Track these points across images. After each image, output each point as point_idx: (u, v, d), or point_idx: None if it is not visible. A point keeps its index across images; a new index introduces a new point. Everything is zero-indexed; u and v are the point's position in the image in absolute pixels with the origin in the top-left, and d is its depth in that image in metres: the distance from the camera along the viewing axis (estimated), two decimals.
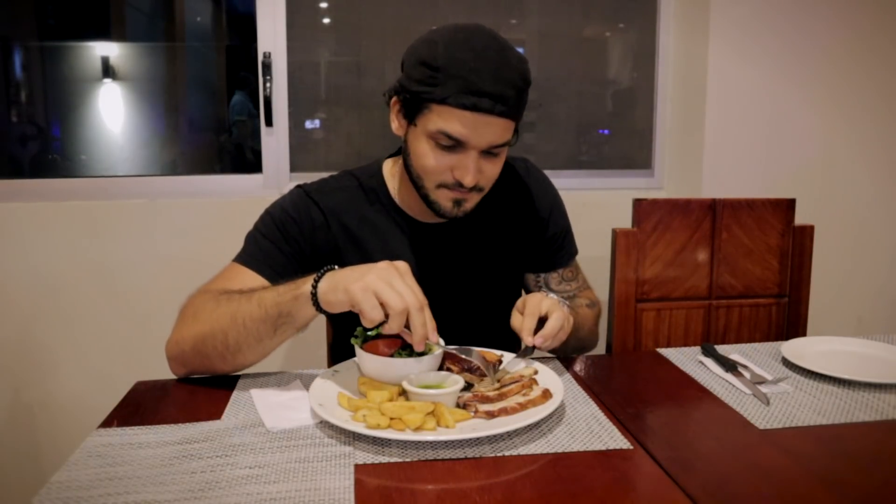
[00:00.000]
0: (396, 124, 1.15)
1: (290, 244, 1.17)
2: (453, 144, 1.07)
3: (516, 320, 1.07)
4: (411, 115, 1.11)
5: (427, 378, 0.95)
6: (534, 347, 1.03)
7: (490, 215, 1.25)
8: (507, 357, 1.08)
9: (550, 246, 1.31)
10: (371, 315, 0.90)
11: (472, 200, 1.14)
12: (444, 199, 1.13)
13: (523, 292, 1.36)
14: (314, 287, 0.96)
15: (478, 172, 1.09)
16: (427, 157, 1.09)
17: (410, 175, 1.15)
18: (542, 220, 1.30)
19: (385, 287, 0.90)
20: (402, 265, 0.95)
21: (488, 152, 1.09)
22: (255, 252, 1.17)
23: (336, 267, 0.98)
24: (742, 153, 2.21)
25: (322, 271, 0.98)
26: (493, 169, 1.12)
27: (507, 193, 1.27)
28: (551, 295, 1.10)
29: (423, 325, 0.92)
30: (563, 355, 1.21)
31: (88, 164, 2.14)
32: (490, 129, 1.05)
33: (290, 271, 1.17)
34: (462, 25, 1.09)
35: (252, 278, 1.13)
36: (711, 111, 2.17)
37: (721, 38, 2.14)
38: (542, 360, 1.13)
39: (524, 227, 1.29)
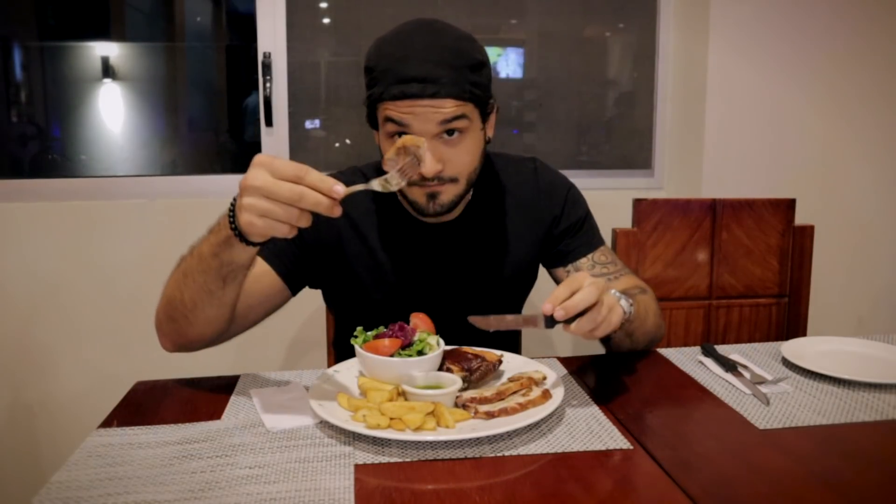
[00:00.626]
0: (376, 138, 1.16)
1: (297, 233, 1.17)
2: (404, 133, 1.06)
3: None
4: (373, 121, 1.13)
5: (427, 378, 0.95)
6: (553, 321, 0.90)
7: (496, 216, 1.24)
8: (508, 357, 1.08)
9: (568, 236, 1.27)
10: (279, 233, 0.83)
11: (446, 193, 1.11)
12: (418, 195, 1.11)
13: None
14: (233, 224, 0.87)
15: (436, 162, 1.05)
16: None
17: None
18: (555, 217, 1.26)
19: (279, 209, 0.82)
20: (259, 159, 0.83)
21: (446, 134, 1.06)
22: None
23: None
24: (742, 153, 2.21)
25: (236, 197, 0.87)
26: (457, 154, 1.08)
27: (515, 194, 1.26)
28: (611, 291, 0.98)
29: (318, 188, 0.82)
30: (631, 349, 1.17)
31: (88, 164, 2.14)
32: (429, 112, 1.03)
33: (290, 254, 1.16)
34: (404, 23, 1.10)
35: (257, 266, 1.11)
36: (711, 111, 2.17)
37: (721, 37, 2.14)
38: (540, 359, 1.12)
39: (534, 227, 1.26)
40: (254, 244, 0.89)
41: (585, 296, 0.90)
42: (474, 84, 1.07)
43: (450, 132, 1.07)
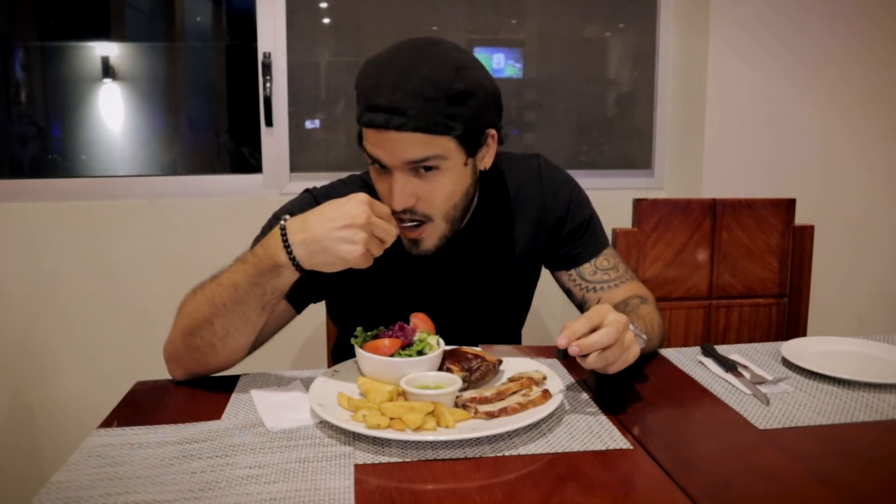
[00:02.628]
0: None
1: None
2: (381, 166, 1.05)
3: (571, 322, 0.93)
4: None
5: (426, 378, 0.95)
6: (566, 354, 0.90)
7: (499, 217, 1.23)
8: (508, 358, 1.08)
9: (573, 240, 1.25)
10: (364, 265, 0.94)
11: (427, 238, 1.08)
12: (401, 234, 1.08)
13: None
14: (290, 254, 0.93)
15: (407, 195, 1.03)
16: (374, 181, 1.09)
17: None
18: (559, 217, 1.24)
19: (376, 243, 0.94)
20: (360, 196, 0.93)
21: (421, 169, 1.03)
22: None
23: (288, 217, 0.96)
24: (742, 153, 2.21)
25: (282, 227, 0.94)
26: (430, 191, 1.04)
27: (518, 193, 1.24)
28: (632, 326, 0.96)
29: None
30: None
31: (88, 164, 2.14)
32: (396, 145, 1.00)
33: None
34: (396, 42, 1.06)
35: None
36: (711, 111, 2.17)
37: (721, 38, 2.14)
38: (541, 359, 1.12)
39: (538, 227, 1.24)
40: (304, 270, 0.95)
41: (603, 337, 0.89)
42: (451, 117, 1.00)
43: (426, 167, 1.03)
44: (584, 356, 0.90)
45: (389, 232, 0.94)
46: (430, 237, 1.09)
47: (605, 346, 0.89)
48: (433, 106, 0.98)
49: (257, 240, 1.20)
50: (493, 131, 1.10)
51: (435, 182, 1.04)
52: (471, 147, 1.06)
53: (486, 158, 1.12)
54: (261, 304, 0.98)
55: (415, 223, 1.07)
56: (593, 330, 0.90)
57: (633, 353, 0.94)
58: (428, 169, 1.03)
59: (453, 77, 1.00)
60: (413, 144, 1.00)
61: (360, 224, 0.91)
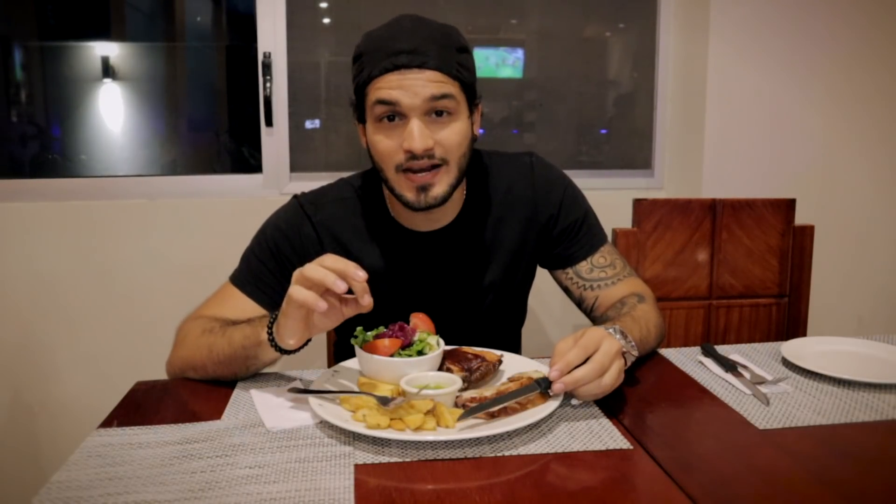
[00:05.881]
0: (361, 137, 1.15)
1: (282, 263, 1.17)
2: (393, 114, 1.06)
3: (564, 345, 0.93)
4: (360, 113, 1.12)
5: (427, 378, 0.95)
6: (549, 385, 0.91)
7: (490, 218, 1.22)
8: (508, 357, 1.08)
9: (567, 238, 1.24)
10: (300, 296, 0.92)
11: (439, 183, 1.09)
12: (406, 188, 1.09)
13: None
14: (269, 333, 0.99)
15: (426, 137, 1.05)
16: (378, 141, 1.09)
17: (381, 177, 1.13)
18: (551, 216, 1.24)
19: (305, 278, 0.92)
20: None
21: (434, 115, 1.06)
22: (248, 274, 1.18)
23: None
24: (742, 153, 2.21)
25: (273, 315, 0.99)
26: (447, 135, 1.08)
27: (510, 192, 1.23)
28: (618, 336, 0.96)
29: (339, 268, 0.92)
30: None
31: (88, 164, 2.14)
32: (418, 84, 1.04)
33: (281, 291, 1.16)
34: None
35: (243, 303, 1.15)
36: (711, 111, 2.17)
37: (721, 38, 2.14)
38: (540, 359, 1.12)
39: (530, 226, 1.23)
40: (283, 351, 0.99)
41: (588, 374, 0.90)
42: (460, 64, 1.08)
43: (438, 113, 1.07)
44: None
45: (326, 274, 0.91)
46: (442, 182, 1.10)
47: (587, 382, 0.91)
48: (448, 51, 1.07)
49: (245, 254, 1.20)
50: (479, 99, 1.15)
51: (448, 126, 1.09)
52: (470, 101, 1.13)
53: (476, 125, 1.16)
54: (245, 364, 1.04)
55: (430, 168, 1.08)
56: (588, 357, 0.91)
57: (612, 381, 0.92)
58: (440, 114, 1.07)
59: (457, 34, 1.11)
60: (433, 82, 1.05)
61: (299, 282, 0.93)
